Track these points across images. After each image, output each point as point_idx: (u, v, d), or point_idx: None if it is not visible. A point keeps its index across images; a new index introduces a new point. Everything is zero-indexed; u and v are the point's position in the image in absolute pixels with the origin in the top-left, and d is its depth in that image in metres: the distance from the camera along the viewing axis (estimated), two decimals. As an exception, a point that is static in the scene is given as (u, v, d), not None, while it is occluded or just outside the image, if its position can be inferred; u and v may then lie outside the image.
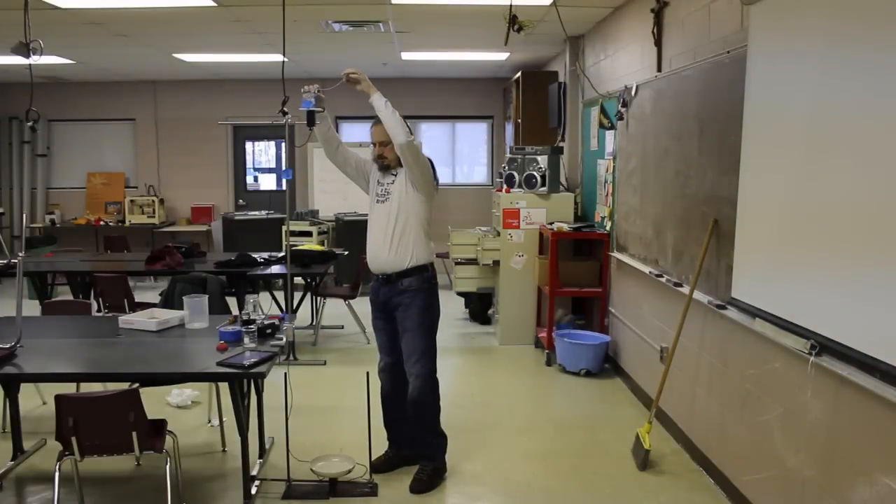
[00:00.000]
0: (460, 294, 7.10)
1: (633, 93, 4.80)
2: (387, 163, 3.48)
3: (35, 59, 3.93)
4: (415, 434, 3.64)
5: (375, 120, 3.43)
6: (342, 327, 6.74)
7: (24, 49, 3.90)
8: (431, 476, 3.56)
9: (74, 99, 9.51)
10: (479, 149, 10.01)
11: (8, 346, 3.19)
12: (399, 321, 3.52)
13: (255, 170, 10.15)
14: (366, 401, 3.50)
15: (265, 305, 4.02)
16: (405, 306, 3.48)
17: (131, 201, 9.44)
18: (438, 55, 7.63)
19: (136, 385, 3.05)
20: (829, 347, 2.50)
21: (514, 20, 4.43)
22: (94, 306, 5.17)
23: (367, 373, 3.48)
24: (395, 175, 3.48)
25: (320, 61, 8.13)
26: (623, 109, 5.00)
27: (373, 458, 3.59)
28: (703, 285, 3.63)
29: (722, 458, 3.54)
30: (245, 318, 3.48)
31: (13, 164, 9.72)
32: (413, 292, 3.46)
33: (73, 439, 2.81)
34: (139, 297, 5.71)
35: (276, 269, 5.89)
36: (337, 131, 10.63)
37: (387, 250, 3.45)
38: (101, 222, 9.42)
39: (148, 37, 6.40)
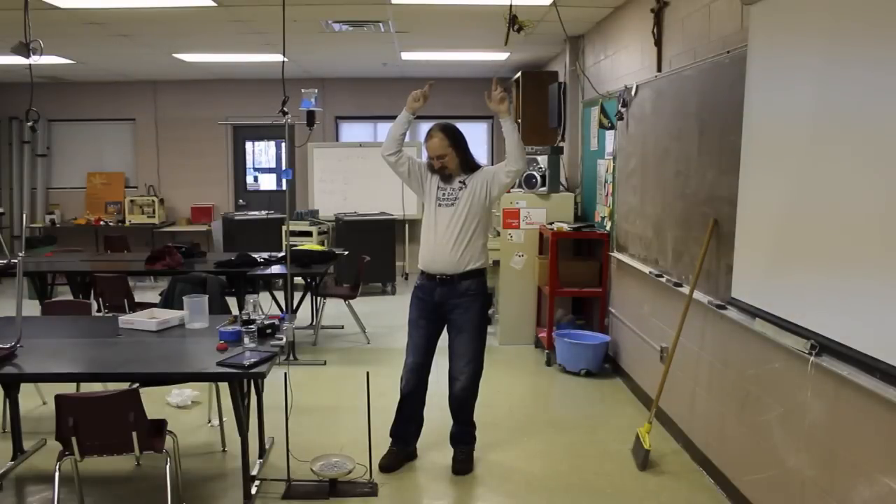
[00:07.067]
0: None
1: (633, 93, 4.80)
2: (448, 172, 3.60)
3: (35, 59, 3.92)
4: (457, 426, 3.78)
5: (429, 134, 3.57)
6: (342, 327, 6.74)
7: (24, 49, 3.89)
8: (470, 457, 3.79)
9: (74, 99, 9.51)
10: (479, 149, 10.00)
11: (8, 346, 3.19)
12: (454, 322, 3.64)
13: (255, 170, 10.15)
14: (366, 401, 3.51)
15: (265, 305, 4.02)
16: (464, 308, 3.60)
17: (131, 201, 9.44)
18: (438, 55, 7.63)
19: (136, 385, 3.05)
20: (829, 347, 2.50)
21: (514, 20, 4.43)
22: (94, 306, 5.17)
23: (368, 373, 3.48)
24: (464, 182, 3.60)
25: (320, 61, 8.13)
26: (623, 109, 5.00)
27: (375, 458, 3.59)
28: (703, 285, 3.63)
29: (722, 458, 3.54)
30: (245, 318, 3.49)
31: (13, 164, 9.73)
32: (472, 295, 3.61)
33: (73, 439, 2.81)
34: (139, 297, 5.71)
35: (276, 269, 5.89)
36: (336, 131, 10.61)
37: (449, 252, 3.56)
38: (101, 222, 9.42)
39: (148, 37, 6.40)
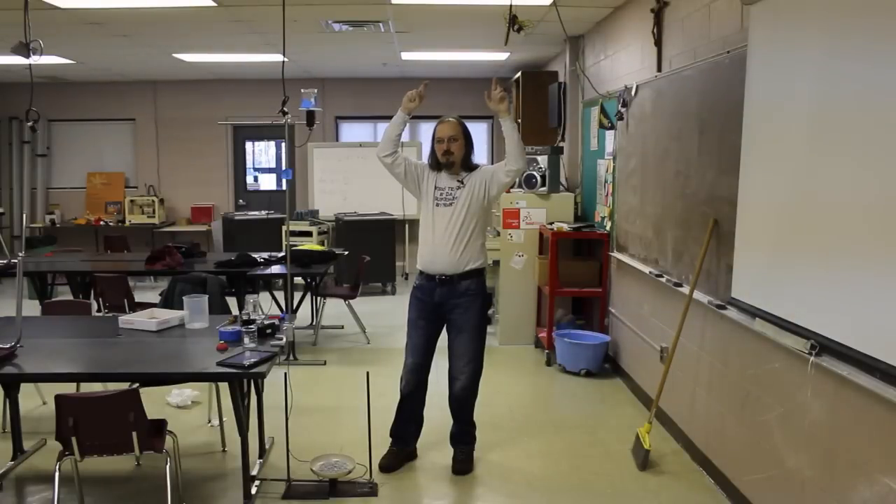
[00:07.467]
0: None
1: (633, 93, 4.80)
2: (452, 159, 3.58)
3: (35, 59, 3.92)
4: (457, 426, 3.78)
5: (442, 119, 3.60)
6: (342, 327, 6.74)
7: (24, 49, 3.89)
8: (470, 457, 3.79)
9: (74, 99, 9.51)
10: (479, 148, 9.93)
11: (8, 346, 3.19)
12: (454, 322, 3.64)
13: (255, 170, 10.15)
14: (366, 401, 3.51)
15: (265, 305, 4.02)
16: (464, 308, 3.61)
17: (131, 201, 9.44)
18: (438, 55, 7.64)
19: (136, 385, 3.05)
20: (829, 347, 2.50)
21: (514, 20, 4.43)
22: (94, 306, 5.17)
23: (368, 373, 3.49)
24: (462, 181, 3.59)
25: (320, 61, 8.13)
26: (623, 109, 5.00)
27: (375, 458, 3.59)
28: (703, 285, 3.63)
29: (722, 458, 3.54)
30: (245, 318, 3.49)
31: (13, 164, 9.73)
32: (472, 295, 3.61)
33: (73, 439, 2.81)
34: (139, 297, 5.71)
35: (276, 269, 5.89)
36: (336, 131, 10.59)
37: (449, 252, 3.55)
38: (101, 222, 9.42)
39: (148, 37, 6.40)
